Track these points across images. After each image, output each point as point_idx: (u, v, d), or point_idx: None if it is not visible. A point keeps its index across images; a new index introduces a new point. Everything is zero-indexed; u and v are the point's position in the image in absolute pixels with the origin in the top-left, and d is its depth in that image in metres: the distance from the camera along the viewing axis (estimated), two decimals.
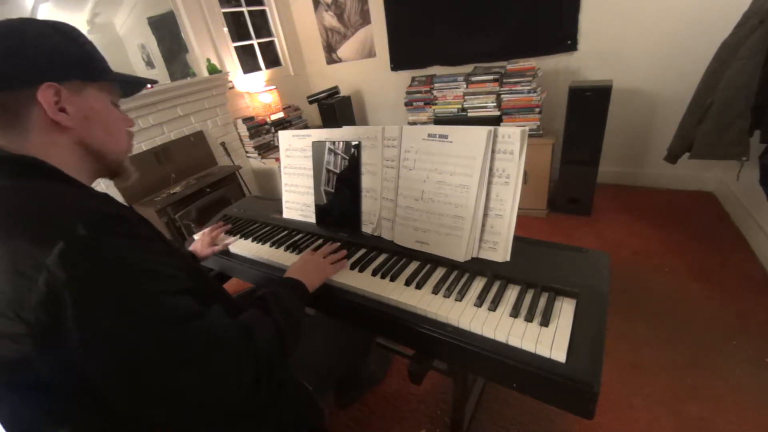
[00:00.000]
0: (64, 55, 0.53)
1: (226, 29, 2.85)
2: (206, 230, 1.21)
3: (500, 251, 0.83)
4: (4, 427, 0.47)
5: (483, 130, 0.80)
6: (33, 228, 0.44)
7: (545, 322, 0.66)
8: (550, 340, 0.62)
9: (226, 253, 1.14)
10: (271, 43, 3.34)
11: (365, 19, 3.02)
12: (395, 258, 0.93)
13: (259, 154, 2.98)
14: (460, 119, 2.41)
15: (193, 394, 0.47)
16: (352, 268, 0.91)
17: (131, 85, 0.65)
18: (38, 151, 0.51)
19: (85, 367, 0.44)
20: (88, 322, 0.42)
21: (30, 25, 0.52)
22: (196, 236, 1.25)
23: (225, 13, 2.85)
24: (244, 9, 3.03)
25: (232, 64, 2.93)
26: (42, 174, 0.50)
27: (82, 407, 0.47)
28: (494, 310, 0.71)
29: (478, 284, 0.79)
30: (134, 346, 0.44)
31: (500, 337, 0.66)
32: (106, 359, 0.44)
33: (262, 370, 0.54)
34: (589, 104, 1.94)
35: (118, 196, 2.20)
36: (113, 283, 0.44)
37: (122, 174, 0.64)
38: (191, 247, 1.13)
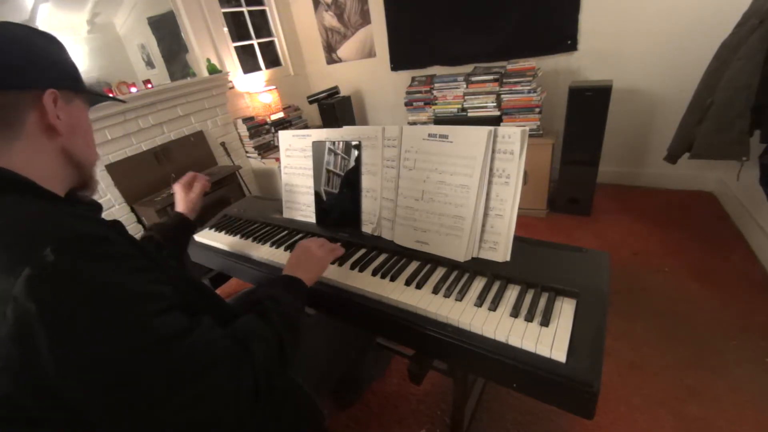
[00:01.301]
0: (60, 63, 0.55)
1: (226, 29, 2.86)
2: (178, 183, 1.14)
3: (500, 251, 0.83)
4: None
5: (483, 130, 0.80)
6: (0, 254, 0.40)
7: (545, 322, 0.66)
8: (550, 340, 0.62)
9: (226, 253, 1.14)
10: (271, 43, 3.34)
11: (365, 19, 3.02)
12: (395, 258, 0.93)
13: (259, 154, 2.98)
14: (460, 119, 2.41)
15: (188, 415, 0.45)
16: (352, 268, 0.91)
17: (93, 97, 0.66)
18: (20, 157, 0.49)
19: (68, 399, 0.41)
20: (64, 354, 0.39)
21: (26, 30, 0.52)
22: (176, 194, 1.16)
23: (225, 13, 2.86)
24: (244, 9, 3.04)
25: (232, 64, 2.93)
26: (15, 188, 0.48)
27: None
28: (494, 310, 0.71)
29: (478, 284, 0.79)
30: (118, 374, 0.41)
31: (500, 337, 0.66)
32: (90, 390, 0.41)
33: (261, 381, 0.52)
34: (589, 104, 1.94)
35: (117, 197, 2.20)
36: (88, 310, 0.41)
37: (90, 185, 0.63)
38: (177, 208, 1.09)
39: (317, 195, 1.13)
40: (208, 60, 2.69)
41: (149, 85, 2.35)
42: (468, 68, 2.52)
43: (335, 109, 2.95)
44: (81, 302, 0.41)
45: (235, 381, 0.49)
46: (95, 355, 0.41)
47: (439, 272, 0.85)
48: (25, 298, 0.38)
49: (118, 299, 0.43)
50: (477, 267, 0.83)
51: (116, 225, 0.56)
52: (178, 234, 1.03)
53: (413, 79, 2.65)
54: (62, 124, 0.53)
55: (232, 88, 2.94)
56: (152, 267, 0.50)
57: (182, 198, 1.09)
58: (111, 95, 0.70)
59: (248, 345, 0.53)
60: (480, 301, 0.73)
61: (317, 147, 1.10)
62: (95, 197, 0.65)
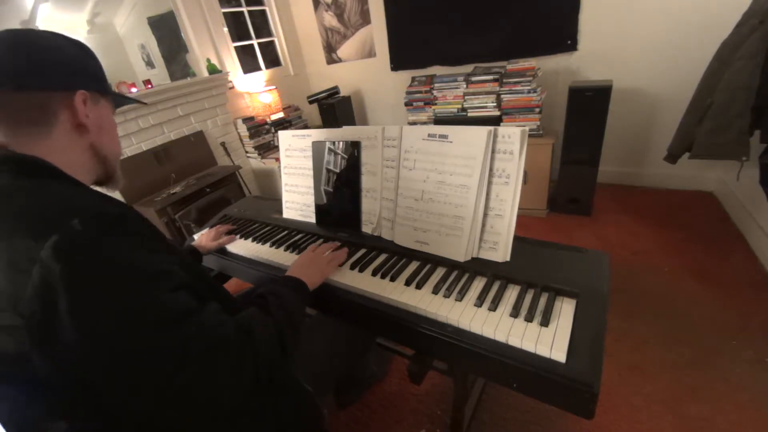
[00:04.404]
0: (89, 68, 0.60)
1: (226, 29, 2.86)
2: (211, 229, 1.22)
3: (500, 251, 0.83)
4: (2, 420, 0.46)
5: (483, 130, 0.80)
6: (30, 223, 0.44)
7: (545, 322, 0.66)
8: (550, 340, 0.62)
9: (226, 253, 1.14)
10: (271, 43, 3.34)
11: (365, 19, 3.02)
12: (395, 258, 0.93)
13: (259, 154, 2.98)
14: (460, 119, 2.41)
15: (190, 392, 0.47)
16: (352, 268, 0.91)
17: (117, 99, 0.72)
18: (54, 151, 0.54)
19: (79, 363, 0.44)
20: (82, 315, 0.42)
21: (60, 38, 0.58)
22: (196, 236, 1.25)
23: (225, 13, 2.85)
24: (244, 9, 3.04)
25: (232, 64, 2.93)
26: (44, 174, 0.52)
27: (79, 403, 0.47)
28: (494, 310, 0.71)
29: (478, 284, 0.79)
30: (129, 344, 0.44)
31: (500, 337, 0.66)
32: (100, 355, 0.43)
33: (262, 369, 0.54)
34: (589, 104, 1.94)
35: (117, 197, 2.20)
36: (107, 279, 0.44)
37: (114, 180, 0.68)
38: (195, 242, 1.15)
39: (317, 195, 1.13)
40: (208, 60, 2.69)
41: (149, 85, 2.35)
42: (468, 68, 2.52)
43: (335, 109, 2.95)
44: (101, 271, 0.44)
45: (237, 364, 0.51)
46: (108, 323, 0.43)
47: (439, 272, 0.85)
48: (51, 260, 0.41)
49: (134, 273, 0.46)
50: (477, 267, 0.83)
51: (134, 210, 0.60)
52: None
53: (413, 79, 2.65)
54: (90, 122, 0.58)
55: (232, 88, 2.94)
56: (168, 250, 0.54)
57: (205, 238, 1.17)
58: (133, 98, 0.75)
59: (251, 334, 0.56)
60: (480, 301, 0.73)
61: (317, 147, 1.10)
62: None
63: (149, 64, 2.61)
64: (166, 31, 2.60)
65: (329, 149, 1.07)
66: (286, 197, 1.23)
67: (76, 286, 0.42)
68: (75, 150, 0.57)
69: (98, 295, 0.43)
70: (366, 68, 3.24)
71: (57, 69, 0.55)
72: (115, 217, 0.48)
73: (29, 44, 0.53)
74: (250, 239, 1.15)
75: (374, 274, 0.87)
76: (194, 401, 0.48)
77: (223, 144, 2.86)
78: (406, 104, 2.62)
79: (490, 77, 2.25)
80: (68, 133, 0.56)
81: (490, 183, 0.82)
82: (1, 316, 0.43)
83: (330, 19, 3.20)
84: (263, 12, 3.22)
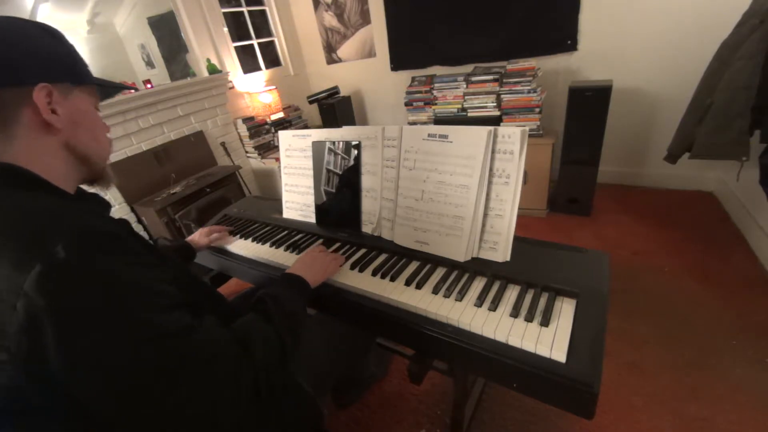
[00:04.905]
0: (54, 56, 0.52)
1: (226, 29, 2.85)
2: (206, 227, 1.21)
3: (500, 251, 0.83)
4: None
5: (483, 130, 0.80)
6: (11, 249, 0.41)
7: (545, 322, 0.66)
8: (550, 340, 0.62)
9: (226, 253, 1.14)
10: (271, 43, 3.34)
11: (365, 19, 3.02)
12: (395, 258, 0.93)
13: (259, 154, 2.98)
14: (460, 119, 2.41)
15: (188, 411, 0.46)
16: (352, 268, 0.91)
17: (106, 89, 0.65)
18: (22, 156, 0.49)
19: (72, 390, 0.42)
20: (70, 348, 0.40)
21: (19, 23, 0.51)
22: (197, 232, 1.24)
23: (225, 13, 2.85)
24: (244, 9, 3.03)
25: (232, 64, 2.93)
26: (23, 183, 0.48)
27: (76, 428, 0.46)
28: (494, 310, 0.71)
29: (478, 284, 0.79)
30: (121, 370, 0.42)
31: (500, 337, 0.66)
32: (92, 384, 0.42)
33: (261, 380, 0.52)
34: (589, 104, 1.94)
35: (117, 197, 2.20)
36: (94, 307, 0.42)
37: (103, 180, 0.62)
38: (189, 238, 1.13)
39: (317, 195, 1.13)
40: (208, 60, 2.69)
41: (149, 85, 2.35)
42: (468, 68, 2.52)
43: (335, 109, 2.95)
44: (88, 298, 0.42)
45: (234, 379, 0.50)
46: (100, 350, 0.42)
47: (439, 272, 0.85)
48: (35, 294, 0.39)
49: (124, 296, 0.44)
50: (477, 267, 0.83)
51: (124, 223, 0.57)
52: (178, 255, 1.07)
53: (413, 79, 2.65)
54: (60, 119, 0.51)
55: (232, 88, 2.94)
56: (158, 264, 0.51)
57: (199, 234, 1.15)
58: (117, 82, 0.67)
59: (248, 344, 0.54)
60: (480, 301, 0.73)
61: (317, 147, 1.10)
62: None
63: (149, 64, 2.61)
64: (166, 31, 2.60)
65: (329, 149, 1.07)
66: (286, 197, 1.23)
67: (63, 318, 0.40)
68: (47, 151, 0.51)
69: (86, 323, 0.41)
70: (366, 68, 3.24)
71: (9, 61, 0.47)
72: (103, 235, 0.45)
73: None
74: (250, 239, 1.15)
75: (374, 274, 0.87)
76: (191, 418, 0.47)
77: (223, 144, 2.86)
78: (406, 104, 2.62)
79: (490, 77, 2.25)
80: (35, 133, 0.50)
81: (490, 183, 0.82)
82: None
83: (330, 19, 3.20)
84: (263, 12, 3.22)
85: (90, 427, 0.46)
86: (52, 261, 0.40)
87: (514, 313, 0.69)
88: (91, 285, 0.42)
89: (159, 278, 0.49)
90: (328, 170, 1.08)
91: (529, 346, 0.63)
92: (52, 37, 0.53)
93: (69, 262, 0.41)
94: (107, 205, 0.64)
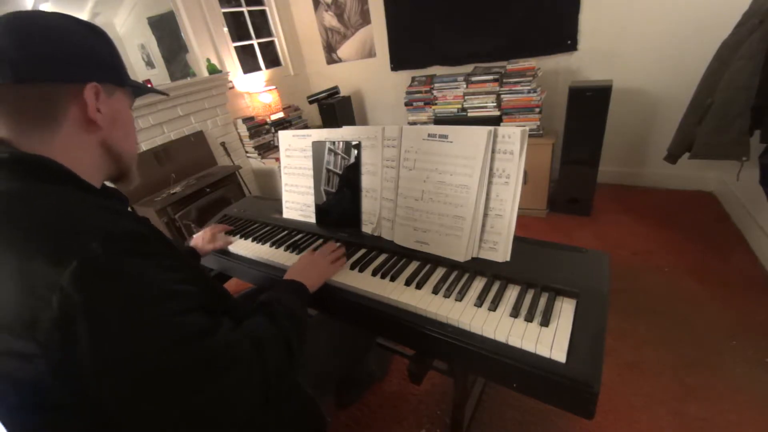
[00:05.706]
0: (101, 56, 0.54)
1: (226, 29, 2.86)
2: (207, 228, 1.20)
3: (500, 251, 0.83)
4: None
5: (483, 130, 0.80)
6: (47, 244, 0.42)
7: (545, 322, 0.66)
8: (550, 340, 0.62)
9: (226, 253, 1.14)
10: (271, 43, 3.34)
11: (365, 19, 3.02)
12: (395, 258, 0.93)
13: (259, 154, 2.98)
14: (460, 119, 2.41)
15: (206, 412, 0.47)
16: (352, 268, 0.91)
17: (137, 89, 0.66)
18: (60, 150, 0.50)
19: (98, 388, 0.43)
20: (103, 344, 0.41)
21: (71, 21, 0.52)
22: (195, 236, 1.24)
23: (225, 13, 2.85)
24: (244, 9, 3.03)
25: (232, 64, 2.93)
26: (55, 177, 0.49)
27: (95, 428, 0.46)
28: (494, 310, 0.71)
29: (478, 284, 0.79)
30: (149, 368, 0.43)
31: (500, 337, 0.66)
32: (121, 381, 0.43)
33: (272, 383, 0.53)
34: (589, 104, 1.94)
35: None
36: (128, 305, 0.43)
37: (129, 177, 0.64)
38: (192, 243, 1.12)
39: (317, 195, 1.13)
40: (208, 60, 2.69)
41: (149, 85, 2.34)
42: (468, 68, 2.52)
43: (335, 109, 2.95)
44: (122, 296, 0.42)
45: (250, 381, 0.51)
46: (128, 349, 0.42)
47: (439, 272, 0.85)
48: (72, 289, 0.39)
49: (154, 297, 0.45)
50: (477, 267, 0.83)
51: (145, 221, 0.58)
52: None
53: (413, 79, 2.65)
54: (102, 117, 0.53)
55: (232, 88, 2.94)
56: (181, 266, 0.52)
57: (201, 239, 1.13)
58: (152, 87, 0.70)
59: (261, 349, 0.55)
60: (480, 301, 0.73)
61: (317, 147, 1.10)
62: None
63: (149, 64, 2.62)
64: (166, 31, 2.61)
65: (329, 149, 1.07)
66: (286, 197, 1.23)
67: (98, 315, 0.41)
68: (85, 147, 0.53)
69: (119, 321, 0.42)
70: (366, 68, 3.24)
71: (65, 58, 0.49)
72: (135, 236, 0.46)
73: (32, 29, 0.48)
74: (250, 239, 1.15)
75: (374, 274, 0.87)
76: (210, 419, 0.47)
77: (223, 144, 2.86)
78: (406, 104, 2.62)
79: (490, 77, 2.25)
80: (77, 129, 0.51)
81: (490, 183, 0.82)
82: (16, 343, 0.41)
83: (330, 19, 3.20)
84: (263, 12, 3.22)
85: (112, 425, 0.46)
86: (89, 257, 0.41)
87: (514, 313, 0.69)
88: (125, 284, 0.43)
89: (181, 279, 0.50)
90: (328, 170, 1.08)
91: (529, 346, 0.63)
92: (97, 36, 0.55)
93: (105, 259, 0.42)
94: (126, 201, 0.64)
